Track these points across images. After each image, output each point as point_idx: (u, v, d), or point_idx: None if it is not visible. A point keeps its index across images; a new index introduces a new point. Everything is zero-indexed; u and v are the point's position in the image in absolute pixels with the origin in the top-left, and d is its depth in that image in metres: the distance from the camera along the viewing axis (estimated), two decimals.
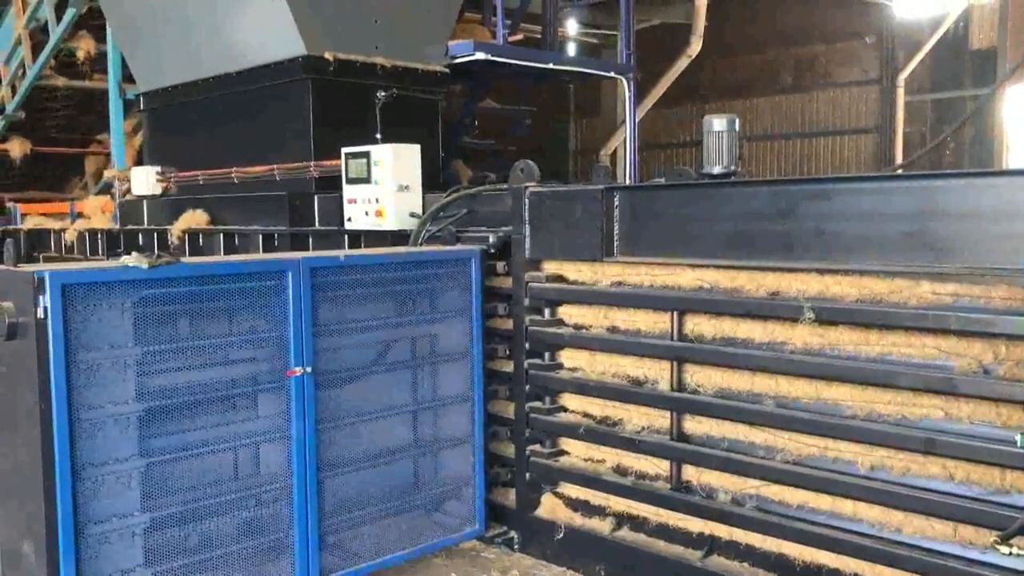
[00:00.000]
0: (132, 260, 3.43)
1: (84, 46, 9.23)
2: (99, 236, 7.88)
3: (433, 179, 5.93)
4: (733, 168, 4.51)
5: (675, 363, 3.96)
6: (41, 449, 3.23)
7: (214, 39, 6.58)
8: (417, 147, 5.33)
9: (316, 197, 5.91)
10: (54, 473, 3.22)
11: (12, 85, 9.89)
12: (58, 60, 9.58)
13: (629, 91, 8.22)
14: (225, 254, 6.34)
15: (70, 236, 8.19)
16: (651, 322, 4.06)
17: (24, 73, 9.71)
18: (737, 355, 3.76)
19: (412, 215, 5.18)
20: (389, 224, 5.19)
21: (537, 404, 4.51)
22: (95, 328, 3.31)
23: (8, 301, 3.29)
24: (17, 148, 10.22)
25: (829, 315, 3.46)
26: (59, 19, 8.94)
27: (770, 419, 3.67)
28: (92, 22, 8.85)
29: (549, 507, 4.49)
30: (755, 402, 3.73)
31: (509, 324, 4.63)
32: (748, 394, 3.77)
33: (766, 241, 3.69)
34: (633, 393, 4.13)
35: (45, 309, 3.18)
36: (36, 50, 9.44)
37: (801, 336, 3.57)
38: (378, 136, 6.03)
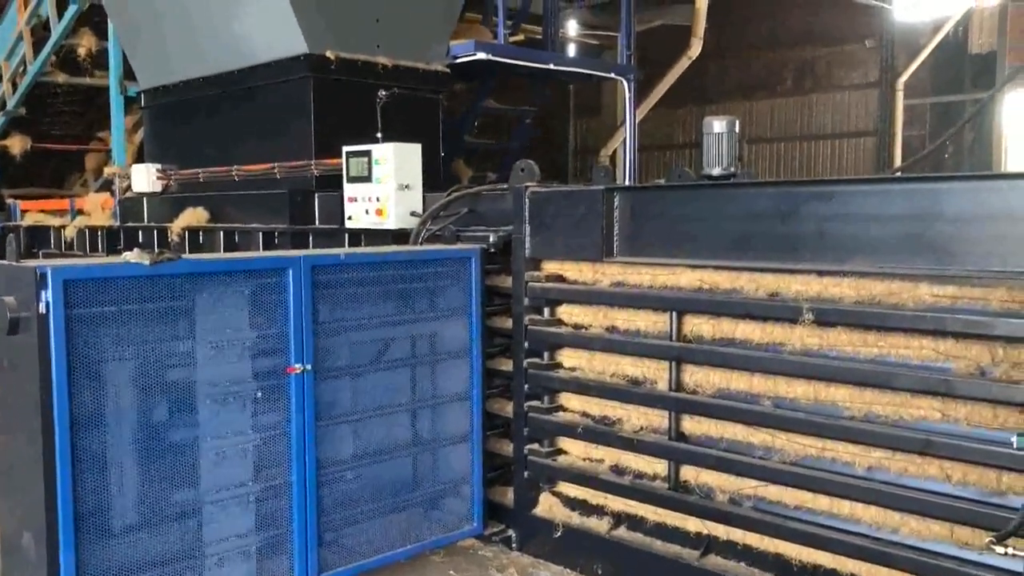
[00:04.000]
0: (134, 256, 3.44)
1: (85, 43, 9.23)
2: (99, 233, 7.89)
3: (434, 178, 5.94)
4: (733, 170, 4.53)
5: (674, 363, 3.98)
6: (42, 442, 3.24)
7: (216, 36, 6.59)
8: (418, 146, 5.34)
9: (317, 195, 5.92)
10: (55, 466, 3.24)
11: (13, 81, 9.89)
12: (59, 56, 9.58)
13: (629, 92, 8.24)
14: (225, 251, 6.34)
15: (70, 233, 8.19)
16: (650, 322, 4.08)
17: (25, 69, 9.71)
18: (736, 356, 3.77)
19: (413, 214, 5.19)
20: (390, 223, 5.20)
21: (536, 403, 4.52)
22: (97, 323, 3.32)
23: (10, 296, 3.31)
24: (17, 144, 10.22)
25: (828, 316, 3.47)
26: (60, 16, 8.94)
27: (768, 419, 3.68)
28: (94, 19, 8.85)
29: (547, 506, 4.51)
30: (753, 402, 3.74)
31: (509, 323, 4.64)
32: (746, 394, 3.78)
33: (766, 242, 3.70)
34: (632, 393, 4.15)
35: (47, 304, 3.20)
36: (37, 47, 9.45)
37: (800, 337, 3.59)
38: (379, 135, 6.05)
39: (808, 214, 3.58)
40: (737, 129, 4.64)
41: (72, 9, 8.73)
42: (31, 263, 3.35)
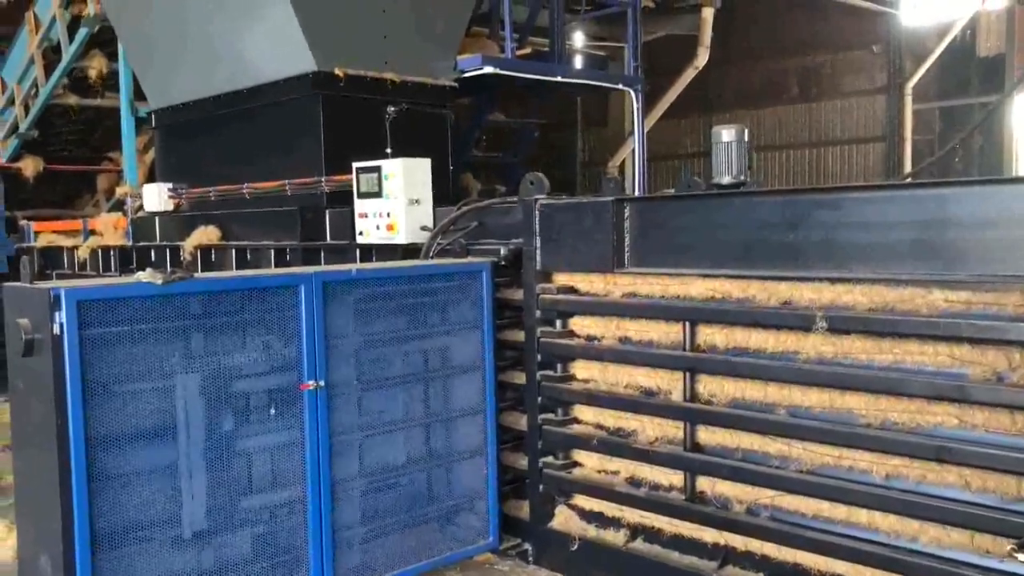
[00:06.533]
0: (146, 276, 3.46)
1: (96, 65, 9.31)
2: (112, 253, 7.94)
3: (443, 192, 5.97)
4: (743, 178, 4.53)
5: (688, 373, 3.97)
6: (58, 463, 3.25)
7: (225, 56, 6.64)
8: (427, 161, 5.36)
9: (327, 212, 5.94)
10: (71, 488, 3.25)
11: (25, 104, 9.98)
12: (71, 79, 9.66)
13: (637, 103, 8.25)
14: (237, 269, 6.37)
15: (83, 253, 8.25)
16: (663, 333, 4.07)
17: (37, 92, 9.80)
18: (750, 365, 3.76)
19: (423, 228, 5.20)
20: (400, 238, 5.21)
21: (549, 416, 4.51)
22: (110, 343, 3.34)
23: (25, 318, 3.33)
24: (30, 166, 10.30)
25: (841, 324, 3.46)
26: (72, 39, 9.02)
27: (784, 429, 3.66)
28: (104, 41, 8.92)
29: (563, 519, 4.49)
30: (768, 412, 3.72)
31: (521, 336, 4.64)
32: (761, 404, 3.77)
33: (777, 251, 3.69)
34: (646, 404, 4.13)
35: (61, 325, 3.22)
36: (49, 69, 9.53)
37: (813, 345, 3.57)
38: (388, 150, 6.07)
39: (818, 222, 3.57)
40: (746, 138, 4.64)
41: (83, 32, 8.81)
42: (45, 285, 3.36)
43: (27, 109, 10.03)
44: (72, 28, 9.02)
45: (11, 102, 10.22)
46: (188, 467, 3.56)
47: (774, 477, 3.71)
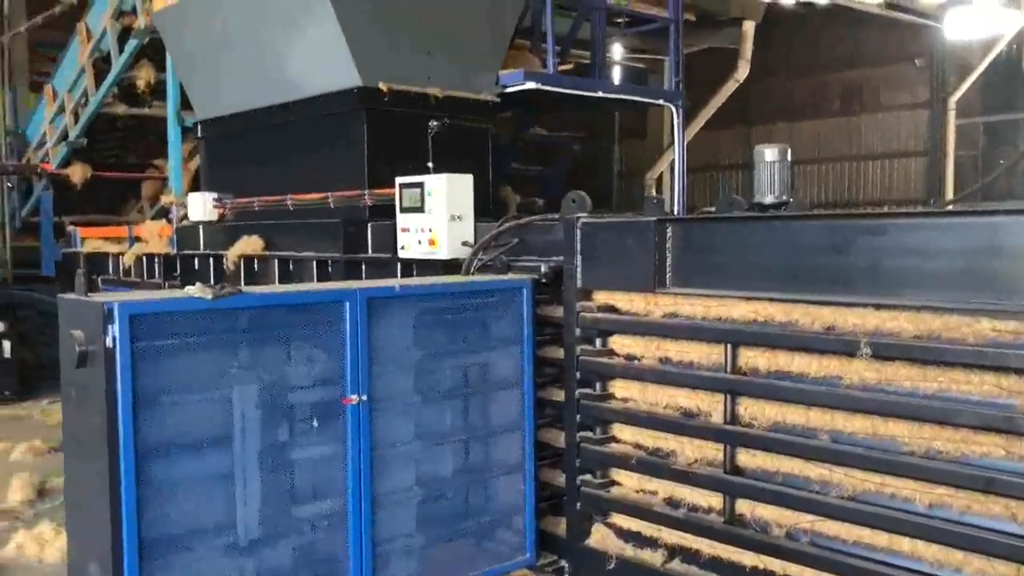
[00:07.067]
0: (196, 291, 3.53)
1: (144, 75, 9.49)
2: (156, 260, 8.09)
3: (483, 205, 6.01)
4: (785, 198, 4.51)
5: (728, 396, 3.96)
6: (108, 472, 3.32)
7: (271, 70, 6.74)
8: (470, 177, 5.40)
9: (369, 225, 6.00)
10: (120, 498, 3.32)
11: (75, 112, 10.20)
12: (119, 88, 9.86)
13: (678, 118, 8.23)
14: (279, 279, 6.47)
15: (128, 260, 8.41)
16: (704, 354, 4.06)
17: (86, 101, 10.01)
18: (791, 389, 3.74)
19: (464, 244, 5.24)
20: (442, 253, 5.26)
21: (588, 434, 4.52)
22: (160, 355, 3.41)
23: (78, 330, 3.41)
24: (78, 173, 10.52)
25: (886, 351, 3.43)
26: (121, 50, 9.21)
27: (825, 454, 3.65)
28: (153, 53, 9.10)
29: (600, 537, 4.50)
30: (810, 436, 3.71)
31: (560, 353, 4.65)
32: (803, 428, 3.75)
33: (821, 275, 3.68)
34: (686, 425, 4.13)
35: (113, 338, 3.29)
36: (98, 79, 9.74)
37: (857, 371, 3.55)
38: (430, 165, 6.13)
39: (863, 247, 3.55)
40: (789, 157, 4.62)
41: (133, 43, 8.99)
42: (98, 298, 3.45)
43: (76, 117, 10.25)
44: (122, 39, 9.21)
45: (61, 110, 10.46)
46: (232, 478, 3.62)
47: (815, 502, 3.69)
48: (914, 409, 3.37)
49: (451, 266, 5.23)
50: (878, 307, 3.47)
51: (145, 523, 3.35)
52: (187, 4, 7.47)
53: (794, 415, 3.78)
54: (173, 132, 8.71)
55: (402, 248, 5.52)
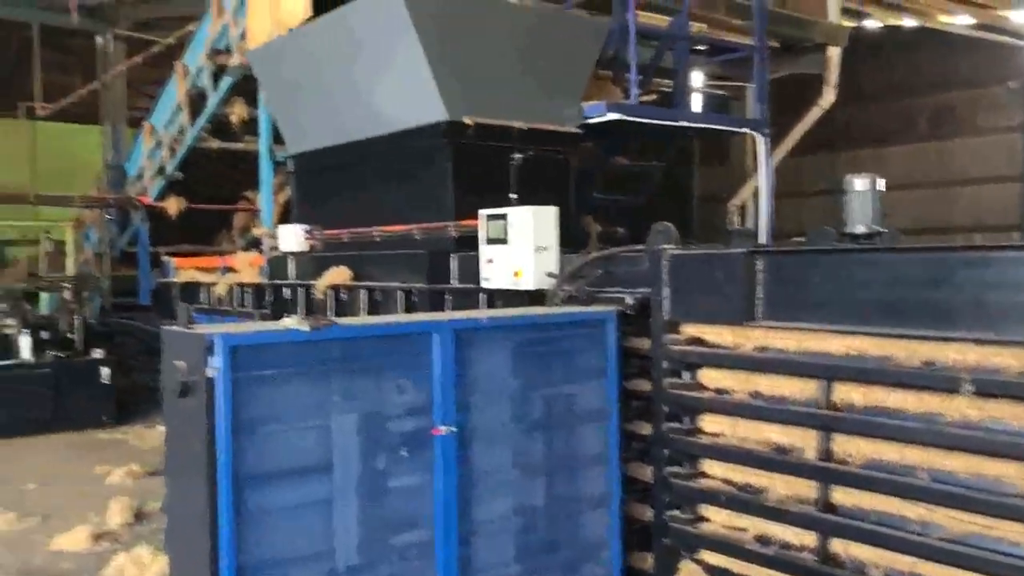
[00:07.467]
0: (293, 323, 3.63)
1: (237, 111, 9.85)
2: (247, 290, 8.33)
3: (565, 236, 6.03)
4: (877, 228, 4.42)
5: (822, 431, 3.87)
6: (207, 500, 3.43)
7: (360, 105, 6.93)
8: (554, 209, 5.43)
9: (454, 256, 6.08)
10: (218, 523, 3.41)
11: (171, 147, 10.64)
12: (213, 124, 10.25)
13: (764, 147, 8.14)
14: (367, 309, 6.59)
15: (221, 290, 8.69)
16: (796, 389, 3.99)
17: (182, 136, 10.43)
18: (889, 426, 3.64)
19: (549, 275, 5.26)
20: (526, 284, 5.29)
21: (677, 468, 4.47)
22: (258, 385, 3.51)
23: (181, 361, 3.54)
24: (174, 205, 10.97)
25: (989, 387, 3.32)
26: (216, 87, 9.59)
27: (925, 493, 3.53)
28: (246, 89, 9.44)
29: (688, 574, 4.42)
30: (908, 475, 3.59)
31: (646, 386, 4.62)
32: (900, 466, 3.64)
33: (919, 309, 3.58)
34: (778, 461, 4.05)
35: (215, 369, 3.40)
36: (194, 115, 10.14)
37: (958, 408, 3.43)
38: (513, 196, 6.19)
39: (963, 280, 3.45)
40: (880, 186, 4.53)
41: (227, 81, 9.35)
42: (200, 330, 3.57)
43: (172, 152, 10.69)
44: (217, 77, 9.59)
45: (158, 145, 10.92)
46: (328, 505, 3.69)
47: (914, 543, 3.57)
48: (1021, 449, 3.24)
49: (535, 297, 5.26)
50: (979, 342, 3.36)
51: (243, 549, 3.44)
52: (280, 43, 7.75)
53: (891, 452, 3.67)
54: (265, 166, 9.00)
55: (486, 279, 5.57)
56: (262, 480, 3.51)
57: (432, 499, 3.98)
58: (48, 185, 14.03)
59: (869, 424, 3.71)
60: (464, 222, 6.12)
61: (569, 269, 5.09)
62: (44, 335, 10.11)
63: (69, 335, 10.29)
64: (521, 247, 5.33)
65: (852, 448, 3.80)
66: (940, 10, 15.15)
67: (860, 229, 4.45)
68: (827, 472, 3.86)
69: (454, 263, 6.08)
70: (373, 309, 6.60)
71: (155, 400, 10.50)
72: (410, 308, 6.24)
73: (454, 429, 4.01)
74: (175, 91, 10.36)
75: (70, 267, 12.31)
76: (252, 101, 9.45)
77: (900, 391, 3.63)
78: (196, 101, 10.14)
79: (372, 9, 6.39)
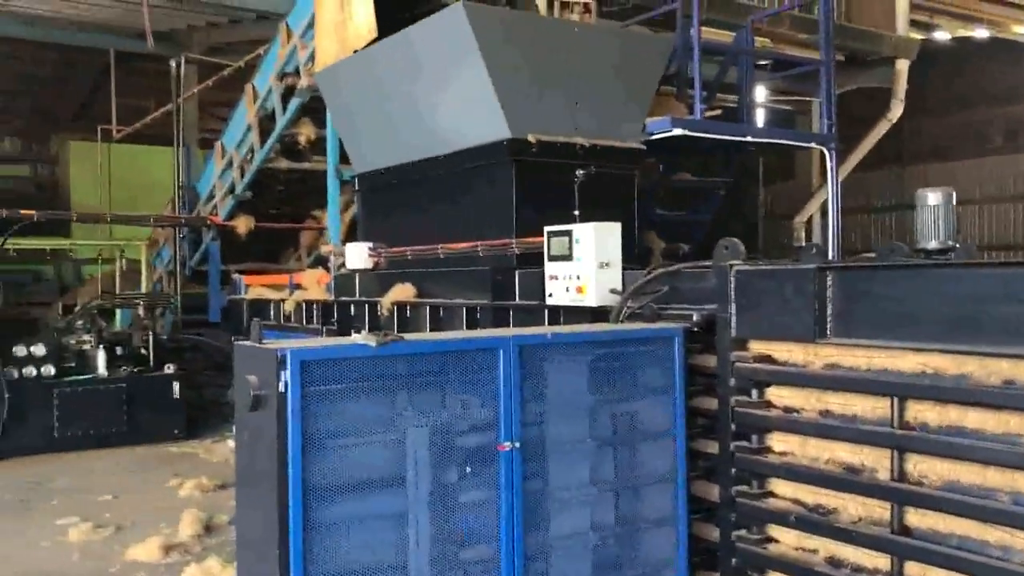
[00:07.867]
0: (361, 338, 3.69)
1: (305, 131, 10.08)
2: (314, 307, 8.47)
3: (628, 252, 6.01)
4: (951, 243, 4.31)
5: (895, 451, 3.77)
6: (277, 512, 3.48)
7: (425, 124, 7.02)
8: (617, 225, 5.42)
9: (517, 272, 6.11)
10: (288, 536, 3.47)
11: (241, 168, 10.91)
12: (281, 144, 10.49)
13: (831, 161, 8.01)
14: (430, 326, 6.65)
15: (288, 306, 8.85)
16: (868, 407, 3.90)
17: (252, 157, 10.69)
18: (966, 446, 3.53)
19: (613, 291, 5.25)
20: (590, 300, 5.28)
21: (744, 488, 4.39)
22: (326, 399, 3.56)
23: (253, 375, 3.61)
24: (243, 224, 11.23)
25: None
26: (284, 108, 9.81)
27: (1007, 517, 3.41)
28: (313, 110, 9.65)
29: None
30: (988, 497, 3.48)
31: (712, 404, 4.57)
32: (979, 488, 3.53)
33: (997, 325, 3.47)
34: (849, 482, 3.95)
35: (285, 384, 3.47)
36: (263, 136, 10.39)
37: None
38: (576, 213, 6.20)
39: None
40: (954, 201, 4.42)
41: (295, 102, 9.57)
42: (272, 345, 3.65)
43: (242, 172, 10.96)
44: (285, 98, 9.81)
45: (229, 165, 11.21)
46: (401, 519, 3.74)
47: (995, 569, 3.45)
48: None
49: (599, 314, 5.25)
50: None
51: (313, 562, 3.49)
52: (346, 64, 7.91)
53: (969, 474, 3.56)
54: (332, 185, 9.17)
55: (550, 295, 5.58)
56: (331, 493, 3.56)
57: (497, 515, 3.98)
58: (123, 205, 14.53)
59: (945, 444, 3.60)
60: (527, 239, 6.15)
61: (633, 285, 5.07)
62: (118, 351, 10.41)
63: (142, 351, 10.58)
64: (584, 263, 5.33)
65: (927, 468, 3.69)
66: (1015, 20, 14.77)
67: (932, 244, 4.33)
68: (900, 493, 3.76)
69: (517, 280, 6.10)
70: (436, 326, 6.65)
71: (223, 415, 10.77)
72: (472, 325, 6.28)
73: (518, 445, 4.01)
74: (245, 113, 10.63)
75: (144, 285, 12.70)
76: (319, 121, 9.64)
77: (978, 410, 3.52)
78: (265, 122, 10.39)
79: (436, 29, 6.48)
